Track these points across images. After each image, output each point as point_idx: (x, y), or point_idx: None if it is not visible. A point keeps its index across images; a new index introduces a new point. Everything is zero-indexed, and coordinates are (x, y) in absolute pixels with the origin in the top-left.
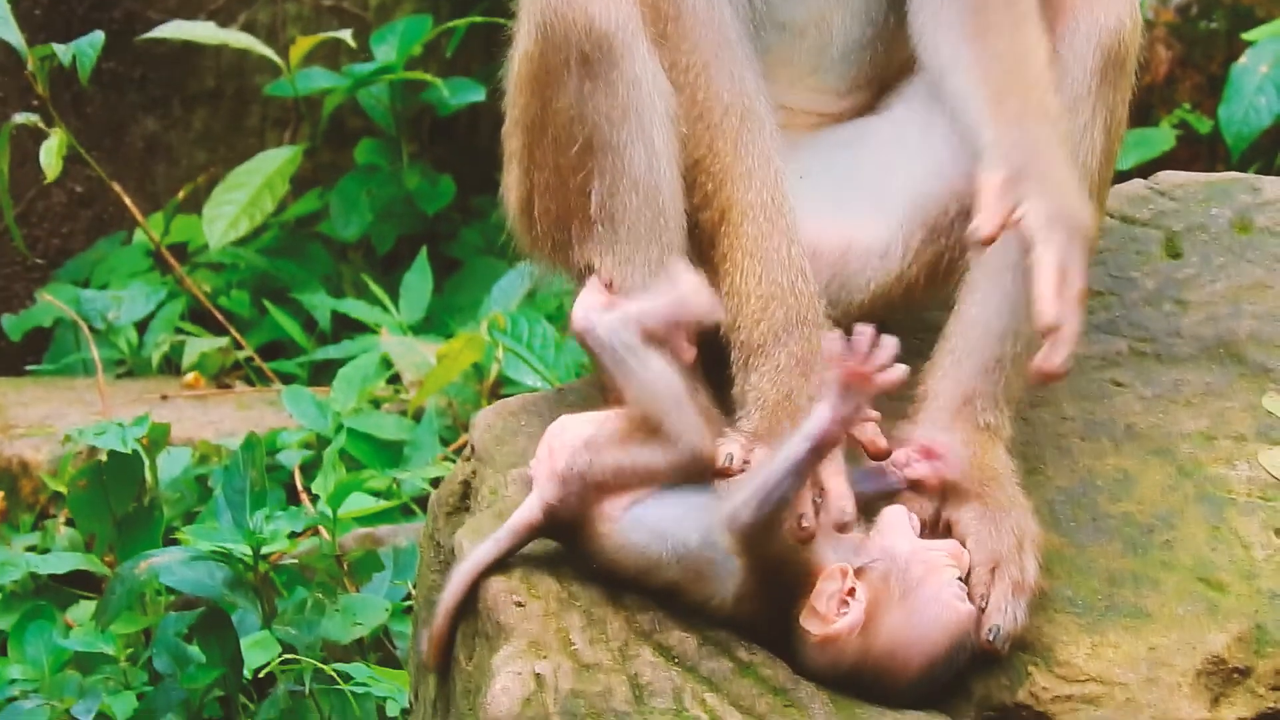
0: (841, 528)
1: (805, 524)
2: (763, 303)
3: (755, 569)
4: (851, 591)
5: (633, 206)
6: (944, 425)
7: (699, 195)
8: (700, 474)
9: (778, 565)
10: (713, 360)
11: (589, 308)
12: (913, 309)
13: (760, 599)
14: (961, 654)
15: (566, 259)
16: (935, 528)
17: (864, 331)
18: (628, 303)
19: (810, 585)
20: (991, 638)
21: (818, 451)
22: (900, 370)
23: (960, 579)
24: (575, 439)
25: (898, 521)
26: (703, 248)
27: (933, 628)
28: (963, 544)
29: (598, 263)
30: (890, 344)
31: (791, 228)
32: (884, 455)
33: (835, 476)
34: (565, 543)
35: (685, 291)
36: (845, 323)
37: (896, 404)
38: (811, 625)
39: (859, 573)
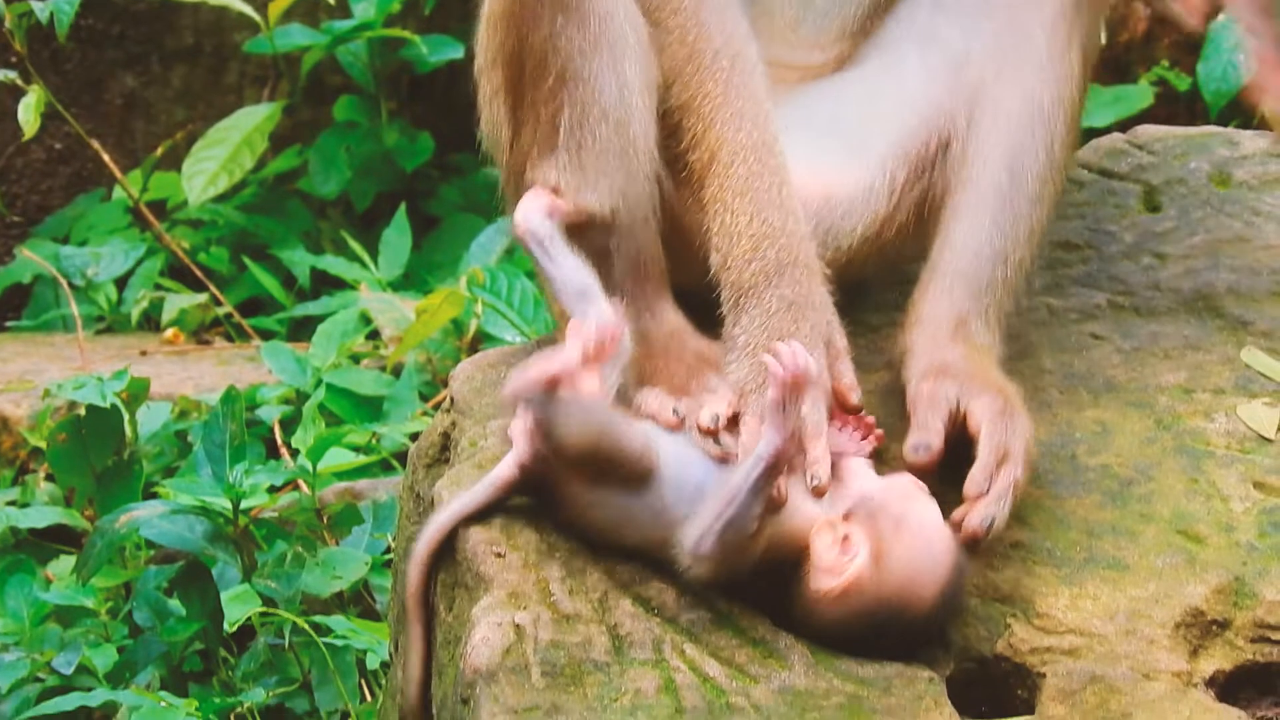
0: (816, 492)
1: (776, 495)
2: (754, 242)
3: (740, 569)
4: (847, 538)
5: (602, 136)
6: (943, 344)
7: (688, 137)
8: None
9: (759, 550)
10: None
11: (530, 210)
12: (904, 254)
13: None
14: (964, 572)
15: (529, 179)
16: (956, 416)
17: (795, 348)
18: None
19: (802, 551)
20: (985, 526)
21: (772, 471)
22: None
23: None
24: None
25: (857, 467)
26: (692, 190)
27: (935, 548)
28: (975, 432)
29: (559, 184)
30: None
31: (782, 168)
32: (856, 410)
33: (814, 440)
34: (542, 502)
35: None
36: (839, 273)
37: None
38: (825, 582)
39: (845, 519)
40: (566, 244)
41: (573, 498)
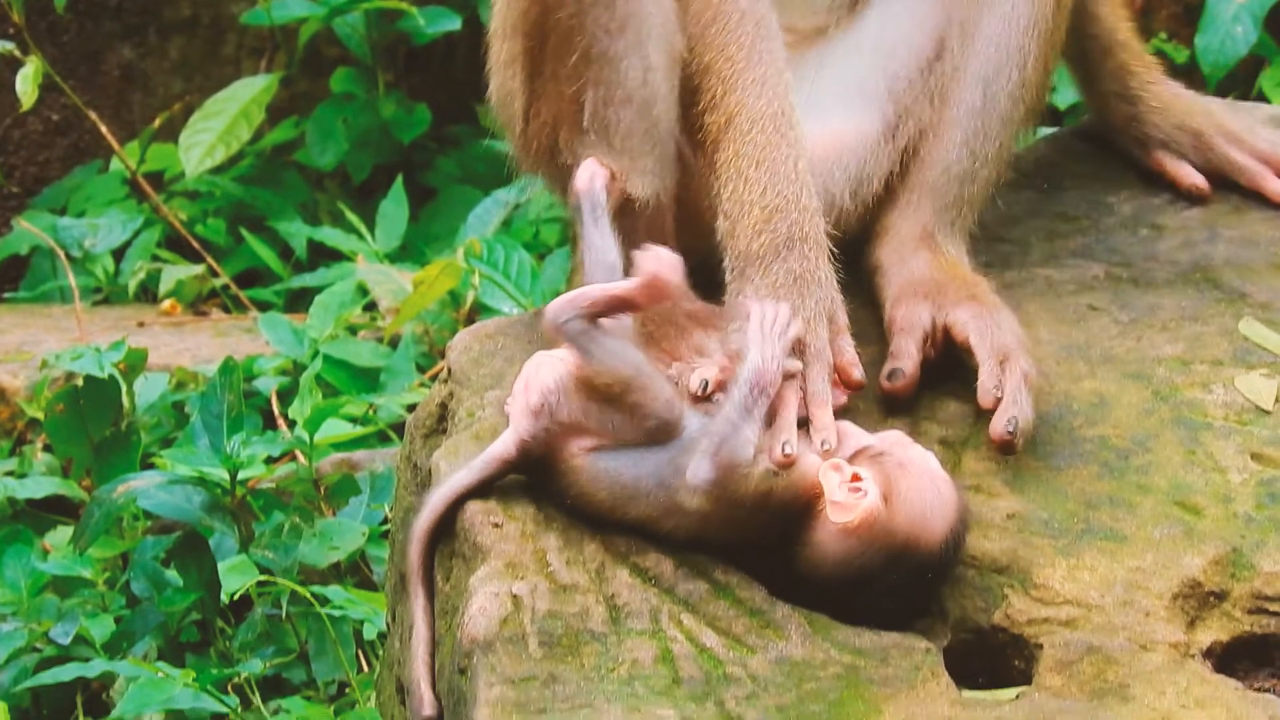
0: (827, 454)
1: (788, 451)
2: (766, 214)
3: (743, 514)
4: (856, 475)
5: (625, 119)
6: (908, 256)
7: (705, 99)
8: (665, 437)
9: (764, 499)
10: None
11: (596, 175)
12: None
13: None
14: (968, 515)
15: (554, 167)
16: (933, 336)
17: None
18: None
19: (809, 500)
20: (1011, 429)
21: (760, 389)
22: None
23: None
24: (550, 376)
25: (849, 429)
26: (706, 152)
27: (941, 489)
28: (965, 343)
29: (612, 168)
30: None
31: (800, 141)
32: (858, 386)
33: (820, 408)
34: (539, 481)
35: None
36: (845, 233)
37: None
38: (840, 516)
39: (851, 460)
40: (611, 222)
41: (575, 472)
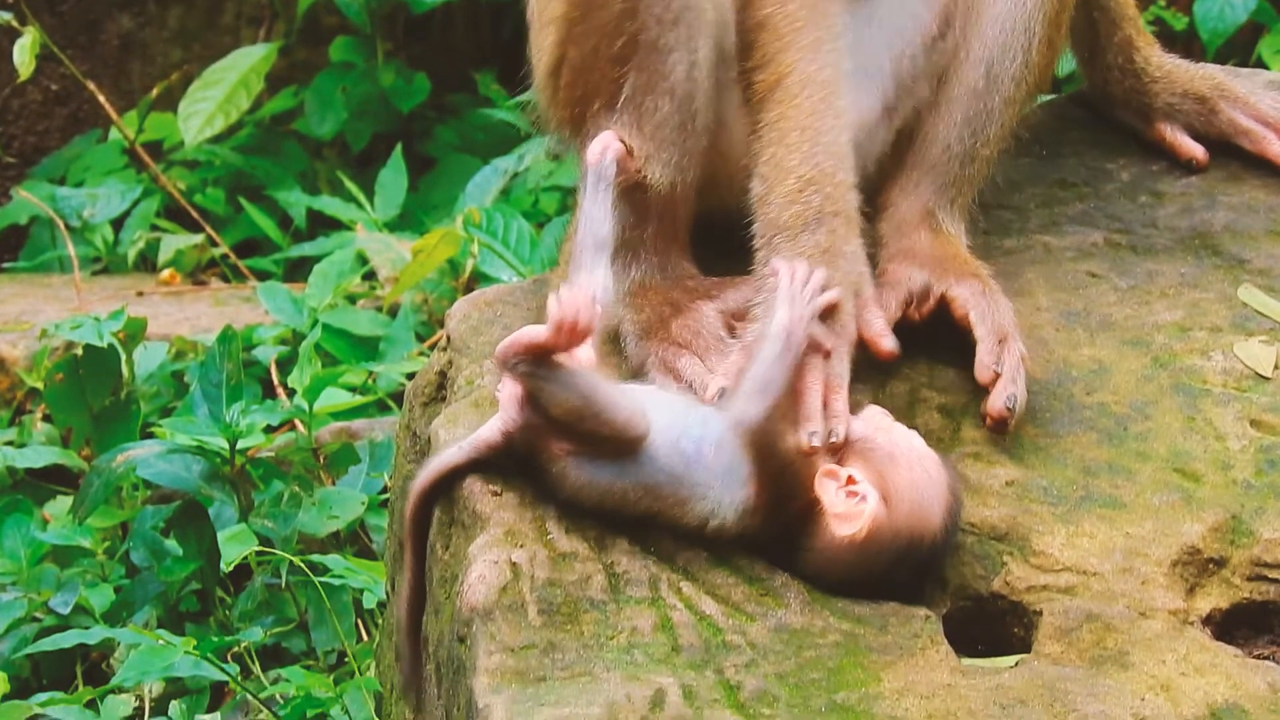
0: (833, 448)
1: (815, 442)
2: (801, 185)
3: (764, 472)
4: (851, 479)
5: (663, 110)
6: (909, 232)
7: (757, 55)
8: (632, 451)
9: (783, 468)
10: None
11: (609, 148)
12: None
13: (765, 510)
14: (959, 490)
15: (577, 132)
16: (923, 301)
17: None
18: None
19: (805, 488)
20: (1010, 406)
21: (791, 345)
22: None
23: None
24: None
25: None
26: (749, 109)
27: (931, 473)
28: (964, 319)
29: (632, 146)
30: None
31: (845, 112)
32: (890, 356)
33: (837, 393)
34: (528, 471)
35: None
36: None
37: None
38: (845, 529)
39: (840, 462)
40: (614, 198)
41: (561, 475)
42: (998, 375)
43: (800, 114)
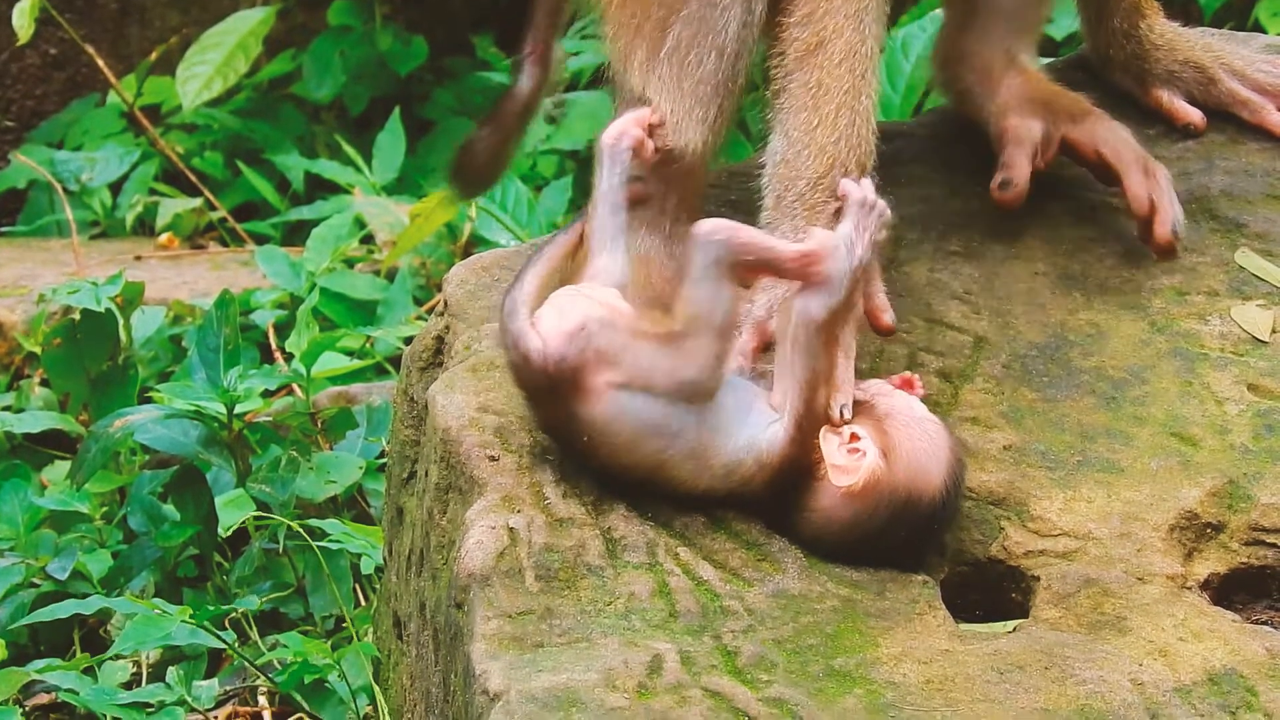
0: (839, 422)
1: (847, 415)
2: (827, 163)
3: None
4: (854, 435)
5: (707, 65)
6: (998, 75)
7: (799, 11)
8: (695, 398)
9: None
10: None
11: (624, 133)
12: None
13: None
14: (962, 454)
15: (624, 77)
16: (1046, 149)
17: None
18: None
19: (810, 467)
20: (1177, 231)
21: (854, 256)
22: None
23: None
24: (589, 306)
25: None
26: (784, 67)
27: (933, 437)
28: (1096, 156)
29: (655, 99)
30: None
31: (875, 88)
32: (889, 331)
33: (844, 360)
34: (554, 420)
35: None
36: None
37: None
38: (843, 479)
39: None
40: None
41: (598, 405)
42: (1154, 203)
43: (840, 87)
